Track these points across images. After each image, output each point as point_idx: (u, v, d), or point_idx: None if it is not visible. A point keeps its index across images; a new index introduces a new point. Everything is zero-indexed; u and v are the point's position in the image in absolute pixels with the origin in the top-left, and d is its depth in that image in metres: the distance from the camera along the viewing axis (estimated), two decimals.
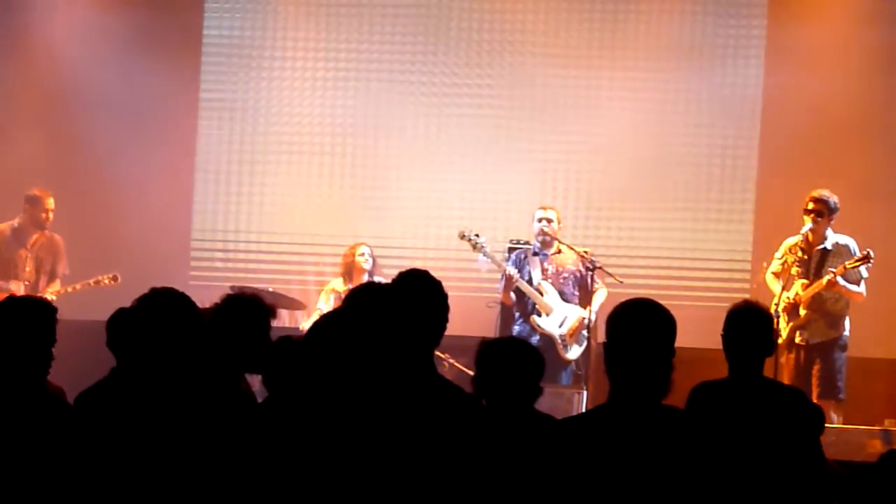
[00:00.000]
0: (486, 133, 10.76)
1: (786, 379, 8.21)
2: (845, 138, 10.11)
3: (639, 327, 3.73)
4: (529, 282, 8.87)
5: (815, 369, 8.22)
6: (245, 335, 4.46)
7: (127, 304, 4.44)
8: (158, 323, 4.06)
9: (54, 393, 4.31)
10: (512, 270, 8.80)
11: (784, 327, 8.27)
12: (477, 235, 9.05)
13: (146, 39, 10.48)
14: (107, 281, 9.44)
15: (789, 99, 10.23)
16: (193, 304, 4.18)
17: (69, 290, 9.42)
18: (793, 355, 8.31)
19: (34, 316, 4.12)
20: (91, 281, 9.44)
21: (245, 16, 10.91)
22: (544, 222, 8.96)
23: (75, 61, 10.50)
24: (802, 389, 7.86)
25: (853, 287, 8.18)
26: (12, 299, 4.31)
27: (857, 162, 9.99)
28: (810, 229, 8.27)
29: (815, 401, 7.95)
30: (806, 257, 8.38)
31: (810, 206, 8.28)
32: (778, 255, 8.54)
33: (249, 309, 4.52)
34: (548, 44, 10.66)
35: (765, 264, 9.30)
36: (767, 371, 4.67)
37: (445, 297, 4.13)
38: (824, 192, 8.34)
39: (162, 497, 3.84)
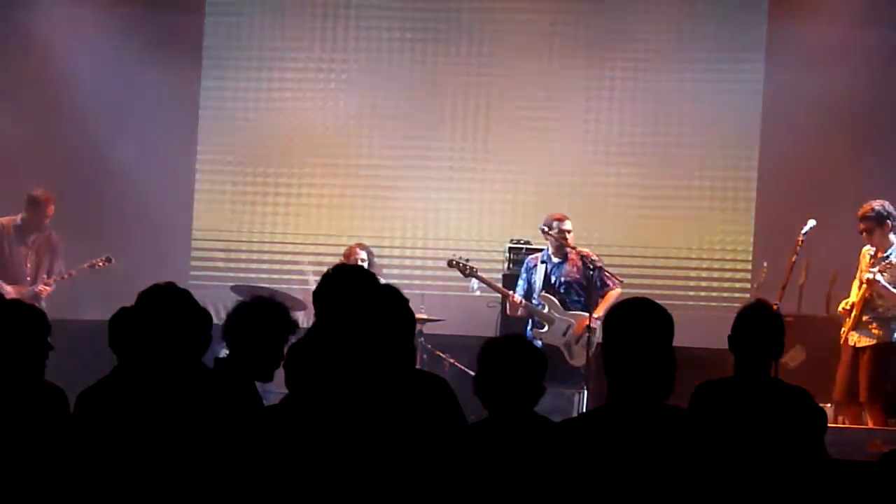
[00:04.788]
0: (485, 132, 10.76)
1: (839, 381, 8.24)
2: (845, 138, 10.11)
3: (635, 326, 3.72)
4: (532, 291, 8.84)
5: (864, 372, 8.21)
6: (264, 341, 4.41)
7: (128, 303, 4.43)
8: (158, 318, 4.05)
9: (54, 392, 4.31)
10: (516, 297, 8.77)
11: (843, 330, 8.31)
12: (467, 260, 8.98)
13: (147, 39, 10.47)
14: (101, 263, 9.47)
15: (789, 98, 10.23)
16: (193, 298, 4.16)
17: (65, 276, 9.42)
18: (846, 357, 8.33)
19: (24, 321, 4.16)
20: (86, 265, 9.46)
21: (246, 16, 10.91)
22: (569, 234, 8.88)
23: (75, 61, 10.50)
24: (853, 392, 7.95)
25: (893, 289, 8.15)
26: (5, 302, 4.34)
27: (857, 161, 9.99)
28: (866, 240, 8.28)
29: (862, 401, 8.02)
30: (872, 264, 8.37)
31: (860, 227, 8.27)
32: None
33: (275, 316, 4.47)
34: (548, 43, 10.67)
35: (765, 264, 9.31)
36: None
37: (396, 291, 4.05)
38: (867, 208, 8.27)
39: (163, 496, 3.83)
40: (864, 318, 8.27)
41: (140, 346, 4.05)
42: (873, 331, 8.24)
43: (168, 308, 4.07)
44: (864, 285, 8.22)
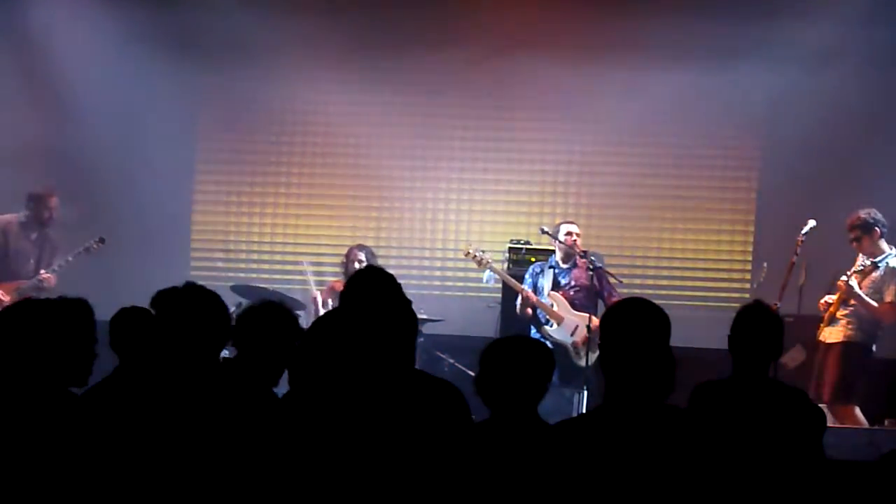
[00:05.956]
0: (486, 134, 10.76)
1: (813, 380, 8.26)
2: (846, 138, 10.11)
3: (631, 326, 3.73)
4: (539, 293, 8.85)
5: (830, 370, 8.20)
6: (274, 346, 4.38)
7: (128, 303, 4.42)
8: (164, 321, 4.03)
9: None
10: (529, 292, 8.79)
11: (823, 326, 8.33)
12: (483, 252, 9.01)
13: (148, 38, 10.46)
14: (95, 245, 9.49)
15: (789, 98, 10.23)
16: (199, 301, 4.13)
17: (62, 263, 9.43)
18: (817, 353, 8.35)
19: (72, 318, 4.10)
20: (81, 249, 9.47)
21: (247, 16, 10.89)
22: (575, 237, 8.90)
23: (76, 60, 10.48)
24: (818, 384, 7.94)
25: (865, 297, 8.14)
26: (49, 302, 4.25)
27: (858, 161, 9.99)
28: (857, 249, 8.28)
29: (826, 401, 8.00)
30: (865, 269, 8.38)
31: (849, 237, 8.27)
32: None
33: (286, 322, 4.44)
34: (549, 45, 10.66)
35: (765, 264, 9.30)
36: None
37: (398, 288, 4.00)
38: (854, 217, 8.27)
39: (165, 497, 3.83)
40: (839, 313, 8.27)
41: (158, 347, 4.00)
42: (843, 327, 8.24)
43: (192, 309, 4.02)
44: (840, 290, 8.23)
